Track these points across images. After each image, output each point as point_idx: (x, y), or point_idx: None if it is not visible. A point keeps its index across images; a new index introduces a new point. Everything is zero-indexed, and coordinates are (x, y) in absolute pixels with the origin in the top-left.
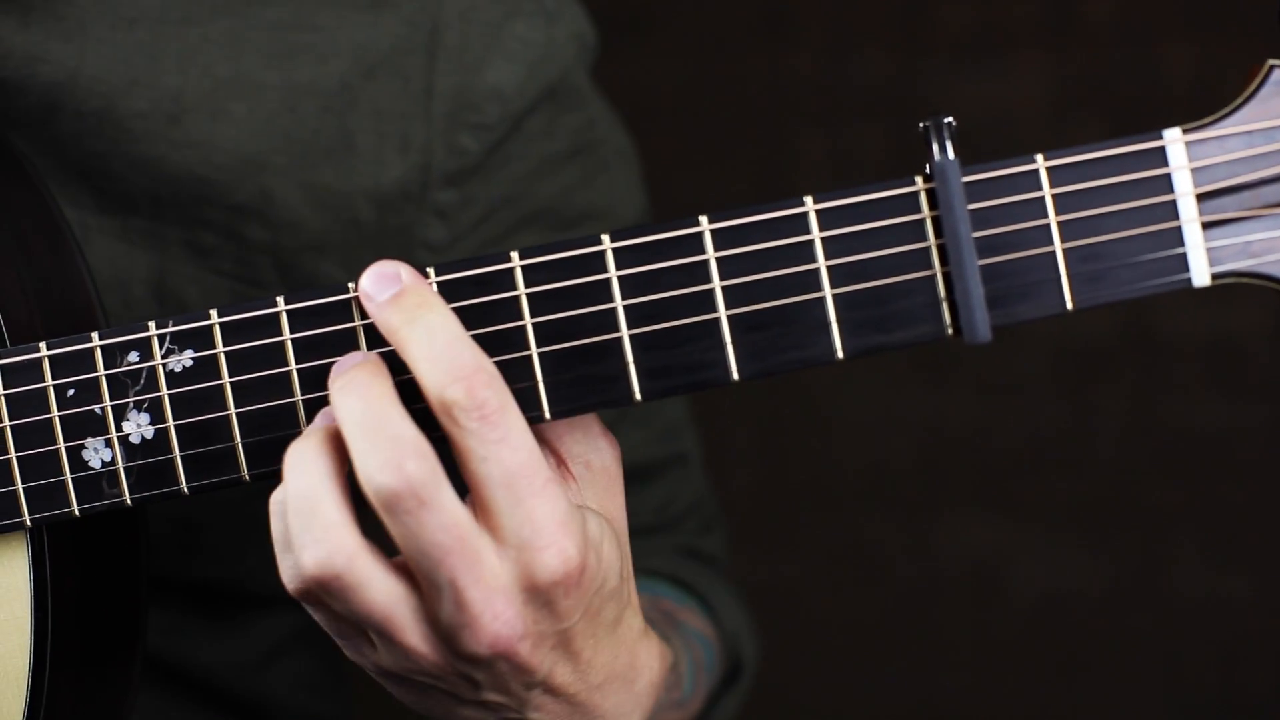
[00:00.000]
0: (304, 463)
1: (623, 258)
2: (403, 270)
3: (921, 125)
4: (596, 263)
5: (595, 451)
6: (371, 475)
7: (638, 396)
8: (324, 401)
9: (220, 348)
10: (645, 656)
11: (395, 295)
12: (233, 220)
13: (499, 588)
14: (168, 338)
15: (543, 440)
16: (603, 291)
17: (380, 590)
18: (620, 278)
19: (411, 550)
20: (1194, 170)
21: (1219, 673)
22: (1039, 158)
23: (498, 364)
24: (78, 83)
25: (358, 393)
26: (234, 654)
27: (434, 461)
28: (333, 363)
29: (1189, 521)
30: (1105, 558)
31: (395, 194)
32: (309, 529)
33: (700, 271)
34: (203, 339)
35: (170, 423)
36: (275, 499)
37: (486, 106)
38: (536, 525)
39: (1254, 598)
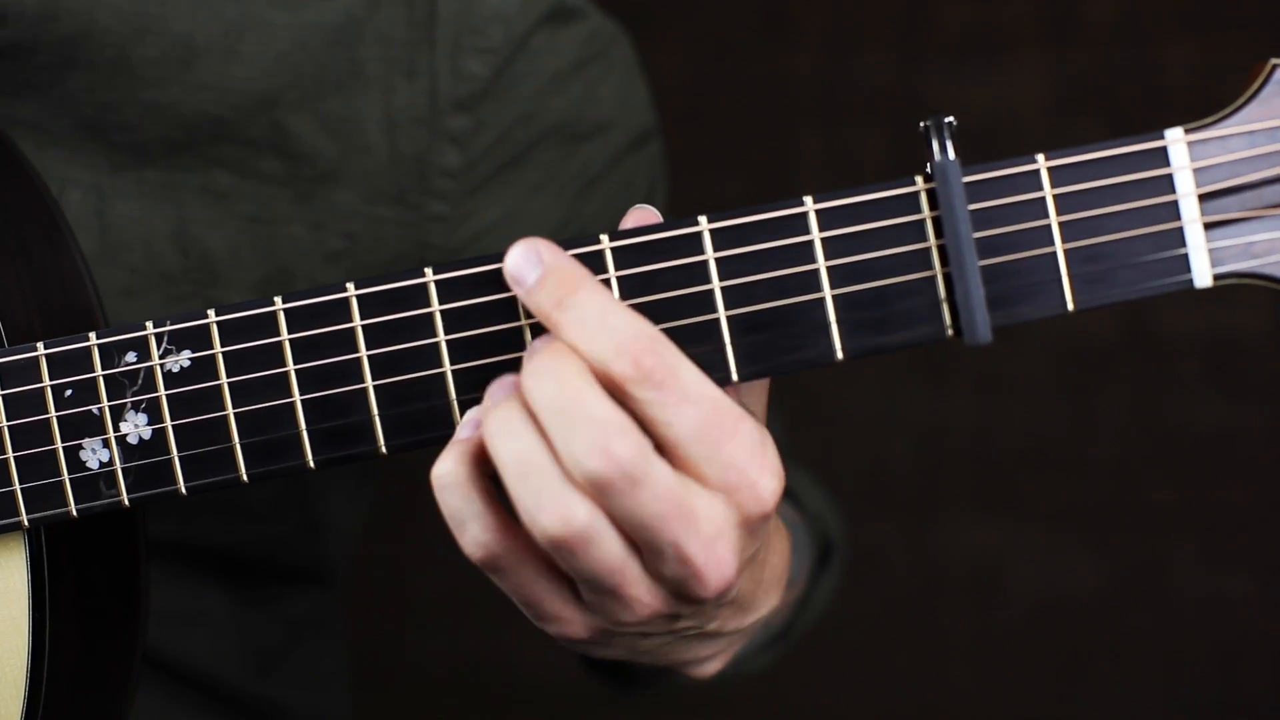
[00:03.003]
0: (511, 425)
1: (621, 257)
2: (542, 249)
3: (922, 125)
4: (595, 262)
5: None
6: (579, 461)
7: None
8: (326, 402)
9: (218, 348)
10: (779, 543)
11: (538, 281)
12: (247, 156)
13: (716, 534)
14: (165, 338)
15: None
16: None
17: (612, 545)
18: (619, 278)
19: (629, 524)
20: (1196, 170)
21: (1219, 673)
22: (1040, 158)
23: (498, 365)
24: (90, 35)
25: (549, 375)
26: (249, 637)
27: (638, 435)
28: (331, 362)
29: (1189, 521)
30: (1105, 558)
31: (405, 119)
32: (544, 490)
33: (700, 272)
34: (200, 339)
35: (168, 423)
36: (441, 473)
37: (489, 29)
38: (739, 468)
39: (1254, 598)
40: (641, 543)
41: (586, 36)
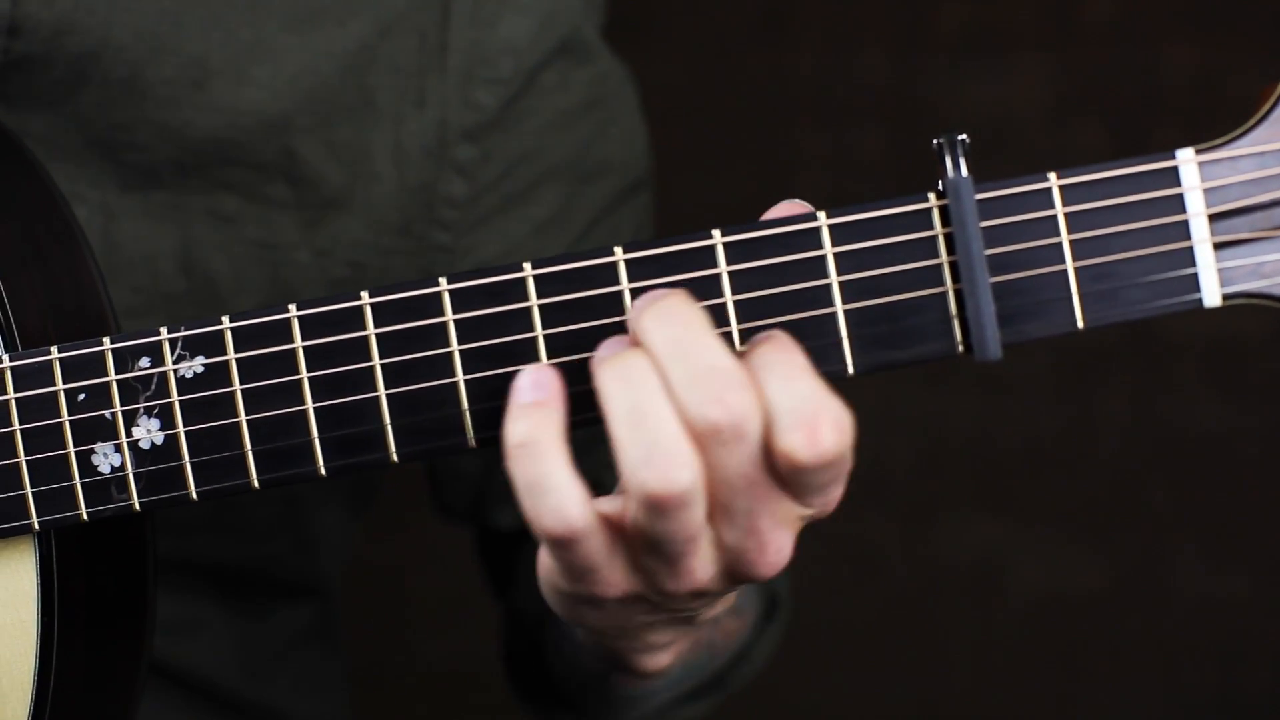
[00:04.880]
0: (633, 374)
1: (635, 270)
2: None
3: (935, 142)
4: (608, 276)
5: None
6: (693, 406)
7: None
8: (334, 409)
9: (232, 354)
10: None
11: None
12: (255, 180)
13: (786, 520)
14: (179, 343)
15: None
16: (615, 304)
17: (699, 511)
18: (632, 290)
19: (719, 479)
20: (1206, 191)
21: (1219, 673)
22: (1052, 176)
23: (509, 375)
24: (105, 52)
25: (673, 320)
26: (247, 645)
27: (754, 394)
28: (343, 370)
29: (1189, 521)
30: (1105, 558)
31: (414, 149)
32: (656, 444)
33: (711, 285)
34: (214, 345)
35: (180, 429)
36: (521, 437)
37: (500, 60)
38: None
39: (1253, 598)
40: (720, 504)
41: (597, 77)
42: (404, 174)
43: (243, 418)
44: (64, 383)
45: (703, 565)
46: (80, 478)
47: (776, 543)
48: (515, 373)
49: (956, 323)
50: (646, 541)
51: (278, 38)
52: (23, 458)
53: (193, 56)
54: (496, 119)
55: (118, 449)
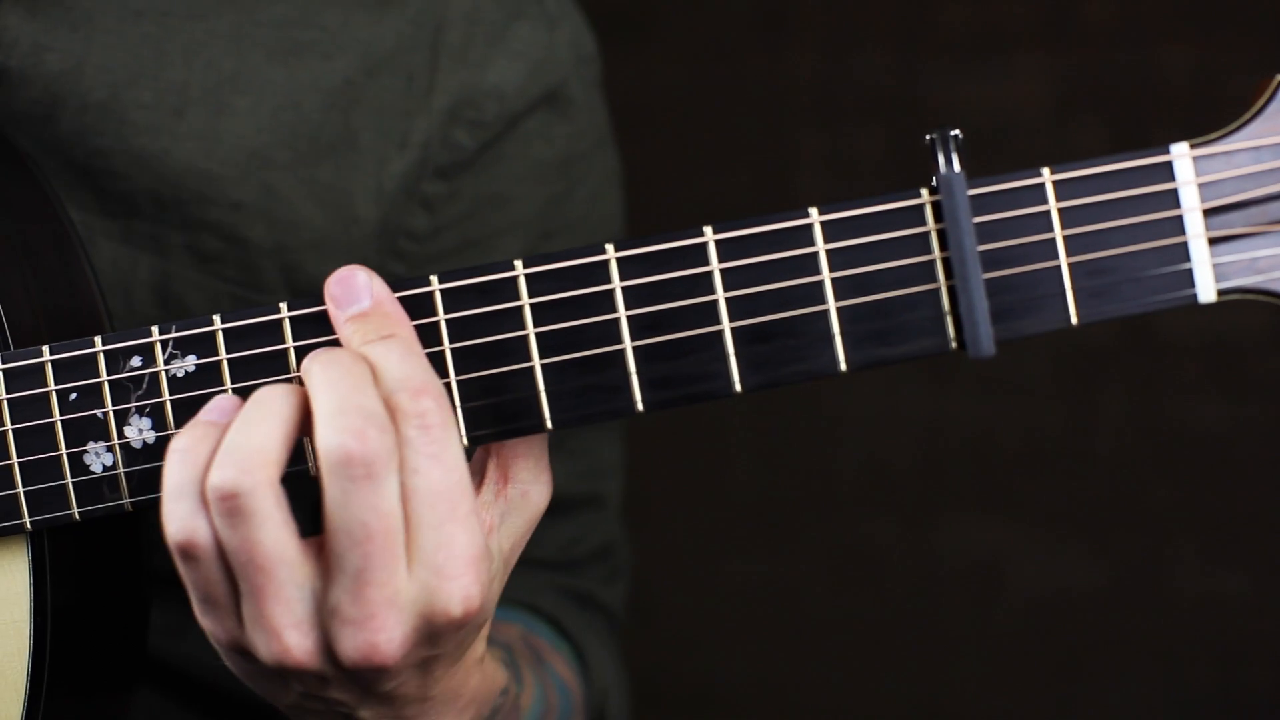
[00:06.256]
0: (270, 399)
1: (626, 268)
2: (373, 283)
3: (928, 138)
4: (600, 273)
5: (537, 485)
6: (331, 434)
7: (639, 407)
8: None
9: (223, 354)
10: (476, 678)
11: (361, 314)
12: (236, 221)
13: (399, 603)
14: (170, 343)
15: (496, 456)
16: (606, 302)
17: (275, 534)
18: (624, 288)
19: (337, 521)
20: (1201, 185)
21: (1219, 672)
22: (1045, 171)
23: (500, 374)
24: (83, 72)
25: (340, 368)
26: None
27: (394, 443)
28: None
29: (1189, 521)
30: (1105, 558)
31: (396, 191)
32: (239, 447)
33: (704, 283)
34: (205, 344)
35: (171, 428)
36: (181, 445)
37: (486, 104)
38: (452, 553)
39: (1253, 598)
40: (334, 551)
41: (576, 135)
42: (384, 215)
43: (234, 417)
44: (56, 383)
45: (290, 620)
46: (72, 477)
47: (384, 622)
48: (508, 371)
49: (950, 319)
50: (233, 565)
51: (261, 69)
52: (15, 458)
53: (173, 83)
54: (472, 159)
55: (109, 449)
